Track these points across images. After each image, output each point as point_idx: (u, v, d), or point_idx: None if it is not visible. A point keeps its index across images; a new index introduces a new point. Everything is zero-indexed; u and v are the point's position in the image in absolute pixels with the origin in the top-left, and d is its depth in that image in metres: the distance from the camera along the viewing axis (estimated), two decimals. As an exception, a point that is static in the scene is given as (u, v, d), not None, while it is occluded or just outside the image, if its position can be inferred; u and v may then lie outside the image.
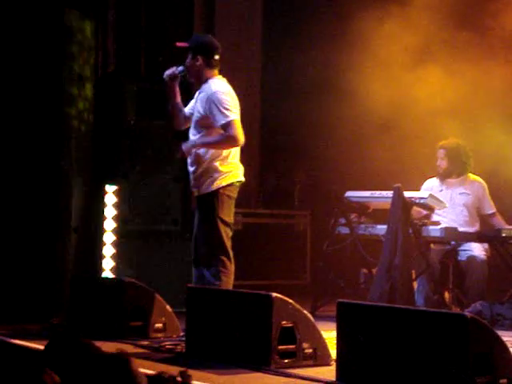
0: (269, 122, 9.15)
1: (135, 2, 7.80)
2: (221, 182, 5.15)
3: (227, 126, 5.07)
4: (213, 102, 5.10)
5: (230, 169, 5.19)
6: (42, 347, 3.32)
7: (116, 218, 6.65)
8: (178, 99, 5.34)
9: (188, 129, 5.38)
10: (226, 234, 5.13)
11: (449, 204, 6.70)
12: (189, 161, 5.28)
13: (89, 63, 6.53)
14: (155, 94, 6.72)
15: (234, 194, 5.22)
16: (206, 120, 5.16)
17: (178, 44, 5.36)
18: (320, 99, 8.15)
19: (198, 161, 5.19)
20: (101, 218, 6.60)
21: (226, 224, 5.15)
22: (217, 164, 5.16)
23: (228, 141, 5.11)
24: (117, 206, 6.65)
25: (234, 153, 5.21)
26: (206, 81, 5.22)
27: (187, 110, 5.40)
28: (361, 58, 7.55)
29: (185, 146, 5.24)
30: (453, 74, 7.21)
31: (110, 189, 6.66)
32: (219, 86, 5.18)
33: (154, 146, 6.86)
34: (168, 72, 5.28)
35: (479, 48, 7.21)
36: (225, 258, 5.12)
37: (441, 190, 6.83)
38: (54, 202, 6.29)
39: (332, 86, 7.98)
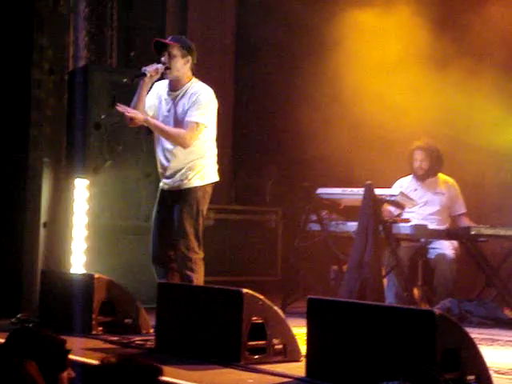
0: (241, 119, 9.15)
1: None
2: (206, 179, 5.24)
3: (189, 124, 5.12)
4: (196, 100, 5.14)
5: (213, 168, 5.31)
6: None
7: (86, 213, 6.61)
8: (146, 97, 5.28)
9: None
10: (202, 228, 5.23)
11: (423, 203, 6.73)
12: (164, 156, 5.27)
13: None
14: (127, 88, 6.67)
15: (211, 194, 5.30)
16: None
17: (165, 41, 5.25)
18: (292, 97, 8.16)
19: (182, 157, 5.20)
20: (71, 212, 6.55)
21: (203, 219, 5.25)
22: (203, 162, 5.23)
23: (179, 138, 5.14)
24: (87, 200, 6.62)
25: (215, 153, 5.30)
26: (188, 81, 5.23)
27: (148, 108, 5.32)
28: (333, 54, 7.57)
29: (138, 115, 5.17)
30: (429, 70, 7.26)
31: (81, 183, 6.61)
32: (207, 91, 5.22)
33: (125, 140, 6.82)
34: (151, 68, 5.16)
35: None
36: (200, 251, 5.21)
37: (415, 190, 6.84)
38: (23, 197, 6.24)
39: (305, 83, 8.00)
